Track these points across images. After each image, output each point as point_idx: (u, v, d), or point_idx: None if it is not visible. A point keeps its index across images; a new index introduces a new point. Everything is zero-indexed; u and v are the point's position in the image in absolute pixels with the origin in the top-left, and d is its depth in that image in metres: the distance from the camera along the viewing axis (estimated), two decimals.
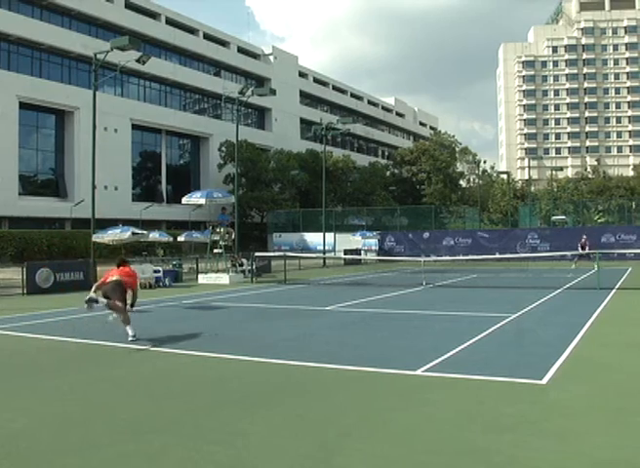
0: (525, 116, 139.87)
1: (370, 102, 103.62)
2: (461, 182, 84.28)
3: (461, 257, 33.16)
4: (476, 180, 78.25)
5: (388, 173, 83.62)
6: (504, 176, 73.48)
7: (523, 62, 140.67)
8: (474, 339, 10.04)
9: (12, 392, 7.27)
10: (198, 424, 5.87)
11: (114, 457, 5.04)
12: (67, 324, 13.20)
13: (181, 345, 9.89)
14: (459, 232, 44.90)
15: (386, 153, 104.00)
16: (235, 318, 14.01)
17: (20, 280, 20.57)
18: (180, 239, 35.66)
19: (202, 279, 25.64)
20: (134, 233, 22.89)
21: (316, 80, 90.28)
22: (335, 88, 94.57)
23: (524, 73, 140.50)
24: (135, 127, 60.50)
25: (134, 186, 61.78)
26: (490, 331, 10.98)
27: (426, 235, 44.25)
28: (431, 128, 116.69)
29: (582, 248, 32.19)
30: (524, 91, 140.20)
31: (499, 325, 11.67)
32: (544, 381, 7.20)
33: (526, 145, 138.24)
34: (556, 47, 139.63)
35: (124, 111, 57.69)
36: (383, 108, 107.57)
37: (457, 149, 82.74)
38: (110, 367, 8.57)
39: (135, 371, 8.22)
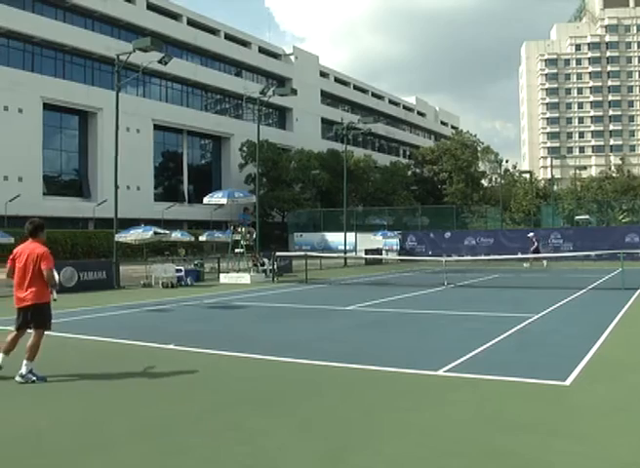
0: (548, 114, 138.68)
1: (391, 102, 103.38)
2: (483, 182, 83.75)
3: (483, 257, 32.89)
4: (498, 180, 77.70)
5: (410, 172, 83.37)
6: (527, 176, 72.88)
7: (546, 60, 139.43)
8: (496, 340, 9.97)
9: (35, 391, 7.36)
10: (218, 423, 5.89)
11: (134, 456, 5.08)
12: (92, 322, 13.34)
13: (203, 344, 9.94)
14: (480, 232, 44.62)
15: (408, 153, 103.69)
16: (256, 317, 14.04)
17: None
18: (202, 239, 35.84)
19: (223, 278, 25.75)
20: (156, 233, 23.05)
21: (337, 80, 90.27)
22: (356, 87, 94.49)
23: (547, 71, 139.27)
24: (156, 127, 60.99)
25: (156, 186, 62.29)
26: (512, 331, 10.90)
27: (448, 235, 44.02)
28: (453, 127, 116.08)
29: (535, 245, 32.68)
30: (547, 89, 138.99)
31: (521, 325, 11.58)
32: (568, 382, 7.12)
33: (549, 144, 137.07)
34: (579, 44, 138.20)
35: (146, 112, 58.16)
36: (405, 107, 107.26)
37: (478, 148, 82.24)
38: (132, 365, 8.63)
39: (156, 371, 8.27)
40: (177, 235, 32.34)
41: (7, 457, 5.08)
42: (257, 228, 29.75)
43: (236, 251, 26.73)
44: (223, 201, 26.24)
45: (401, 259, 39.48)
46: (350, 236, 44.59)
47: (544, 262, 33.11)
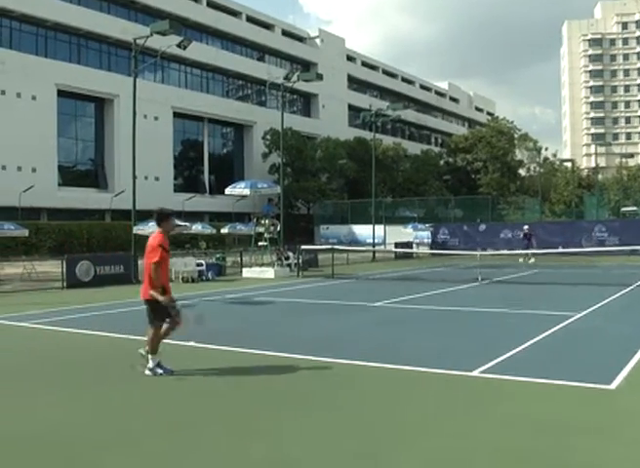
0: (591, 99, 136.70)
1: (422, 87, 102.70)
2: (521, 171, 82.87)
3: (521, 251, 32.58)
4: (537, 169, 76.87)
5: (442, 161, 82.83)
6: (568, 164, 71.94)
7: (589, 41, 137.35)
8: (535, 339, 9.87)
9: (51, 387, 7.46)
10: (239, 424, 5.91)
11: (150, 453, 5.13)
12: (110, 318, 13.49)
13: (224, 341, 10.00)
14: (518, 224, 44.15)
15: (440, 141, 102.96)
16: (280, 314, 14.09)
17: (60, 273, 21.09)
18: (224, 231, 36.03)
19: (246, 273, 25.87)
20: (176, 225, 23.21)
21: (365, 64, 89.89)
22: (384, 72, 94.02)
23: (590, 52, 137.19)
24: (176, 115, 61.31)
25: (175, 177, 62.69)
26: (553, 330, 10.78)
27: (482, 227, 43.69)
28: (488, 113, 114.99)
29: (528, 239, 33.00)
30: (590, 71, 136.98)
31: (562, 324, 11.45)
32: (613, 386, 7.02)
33: (592, 130, 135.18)
34: (626, 23, 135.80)
35: (165, 98, 58.49)
36: (436, 93, 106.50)
37: (515, 136, 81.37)
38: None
39: (176, 368, 8.33)
40: (197, 227, 32.50)
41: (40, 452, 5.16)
42: (281, 220, 29.80)
43: (259, 244, 26.82)
44: (246, 192, 26.32)
45: (433, 253, 39.26)
46: (379, 229, 44.48)
47: (525, 258, 33.18)
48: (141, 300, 8.26)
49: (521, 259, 33.41)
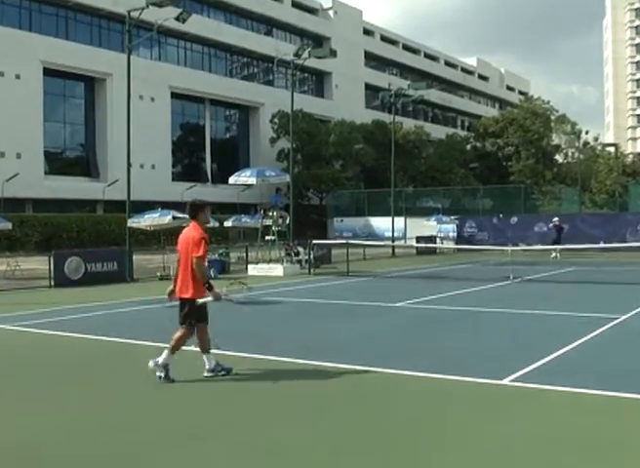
0: (638, 76, 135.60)
1: (447, 64, 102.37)
2: (557, 157, 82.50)
3: (557, 246, 32.46)
4: (576, 155, 76.44)
5: (469, 146, 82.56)
6: (611, 149, 71.45)
7: (636, 10, 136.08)
8: (573, 345, 9.86)
9: (43, 397, 7.54)
10: (243, 437, 5.95)
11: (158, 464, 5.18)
12: (102, 320, 13.59)
13: (228, 345, 10.01)
14: (554, 216, 43.95)
15: (467, 123, 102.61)
16: (289, 315, 14.13)
17: (47, 270, 21.22)
18: (228, 224, 36.09)
19: (252, 270, 25.93)
20: (175, 217, 23.26)
21: (383, 38, 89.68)
22: (405, 47, 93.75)
23: (637, 23, 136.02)
24: (174, 96, 61.44)
25: (174, 164, 62.88)
26: (592, 334, 10.75)
27: (514, 220, 43.54)
28: (521, 92, 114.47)
29: (558, 232, 33.47)
30: (637, 45, 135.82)
31: (603, 328, 11.41)
32: None
33: (638, 111, 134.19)
34: None
35: (162, 78, 58.61)
36: (463, 70, 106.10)
37: (552, 118, 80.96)
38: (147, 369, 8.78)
39: (177, 375, 8.39)
40: None
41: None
42: (290, 212, 29.83)
43: (267, 238, 26.87)
44: (252, 181, 26.36)
45: (458, 249, 39.20)
46: (399, 221, 44.43)
47: (555, 253, 33.31)
48: (165, 299, 8.38)
49: (552, 255, 33.43)
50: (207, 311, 8.27)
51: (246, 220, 36.13)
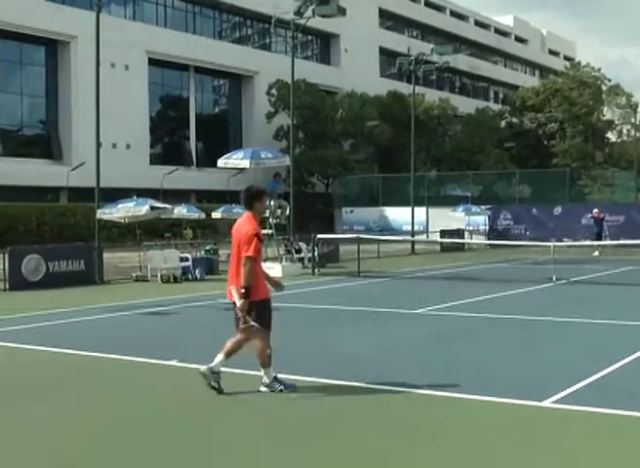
0: None
1: (477, 23, 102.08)
2: (610, 135, 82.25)
3: (609, 242, 32.50)
4: (632, 132, 76.22)
5: (503, 123, 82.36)
6: None
7: None
8: (628, 359, 9.87)
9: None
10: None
11: None
12: (65, 330, 13.60)
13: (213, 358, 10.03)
14: (605, 206, 43.85)
15: (501, 95, 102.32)
16: (291, 323, 14.08)
17: (1, 271, 21.21)
18: (216, 215, 36.01)
19: None
20: (153, 207, 23.23)
21: None
22: (428, 4, 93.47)
23: None
24: (153, 62, 61.33)
25: (152, 144, 62.83)
26: None
27: (558, 210, 43.47)
28: (566, 58, 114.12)
29: (600, 225, 34.26)
30: None
31: None
32: None
33: None
34: None
35: (138, 41, 58.46)
36: (497, 31, 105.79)
37: (603, 88, 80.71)
38: (118, 387, 8.78)
39: (150, 396, 8.39)
40: (181, 211, 32.56)
41: None
42: (290, 201, 29.80)
43: (263, 232, 26.86)
44: (245, 164, 26.27)
45: (490, 245, 39.11)
46: (420, 212, 44.38)
47: (597, 251, 33.70)
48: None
49: (596, 252, 33.46)
50: (271, 315, 8.41)
51: (238, 211, 35.92)
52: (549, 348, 10.99)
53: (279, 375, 8.41)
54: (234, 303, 8.31)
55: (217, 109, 72.09)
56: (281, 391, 8.23)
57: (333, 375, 9.03)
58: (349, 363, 9.96)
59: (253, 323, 8.15)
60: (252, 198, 8.46)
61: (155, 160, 61.54)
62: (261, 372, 8.40)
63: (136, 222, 25.22)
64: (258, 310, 8.21)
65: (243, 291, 8.06)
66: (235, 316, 8.39)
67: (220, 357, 8.24)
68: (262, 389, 8.32)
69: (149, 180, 54.64)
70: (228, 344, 8.35)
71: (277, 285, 8.91)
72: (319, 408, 7.85)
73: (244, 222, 8.41)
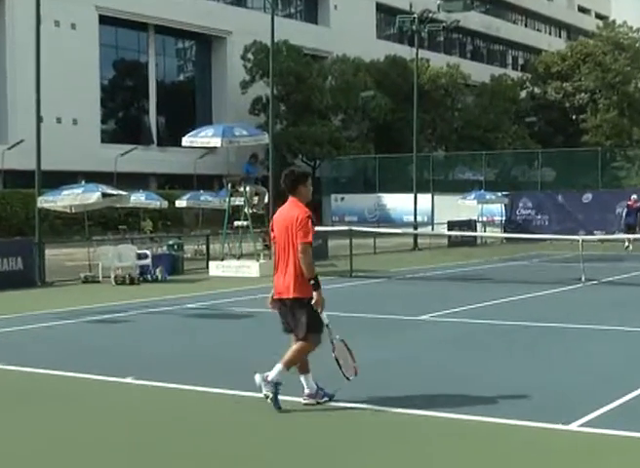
0: None
1: None
2: None
3: (624, 236, 32.76)
4: None
5: (524, 93, 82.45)
6: None
7: None
8: None
9: None
10: None
11: None
12: (8, 342, 13.57)
13: (180, 377, 10.01)
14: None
15: (520, 61, 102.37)
16: (270, 333, 14.05)
17: None
18: (181, 204, 36.07)
19: (216, 269, 25.88)
20: (105, 194, 23.18)
21: None
22: None
23: None
24: (104, 20, 61.04)
25: (104, 119, 62.61)
26: None
27: (588, 197, 43.58)
28: (598, 16, 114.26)
29: (635, 215, 34.56)
30: None
31: None
32: None
33: None
34: None
35: None
36: None
37: None
38: (60, 411, 8.74)
39: (101, 417, 8.36)
40: (139, 198, 32.56)
41: None
42: (270, 188, 29.77)
43: (236, 224, 26.80)
44: (216, 142, 26.23)
45: (508, 239, 39.17)
46: (424, 200, 44.38)
47: (628, 244, 34.08)
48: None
49: (626, 245, 33.65)
50: (314, 322, 8.54)
51: (207, 199, 36.06)
52: (576, 360, 11.05)
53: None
54: (283, 304, 8.56)
55: (181, 77, 71.91)
56: (327, 401, 8.54)
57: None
58: (332, 377, 9.93)
59: (327, 321, 8.55)
60: (296, 181, 8.69)
61: (108, 138, 61.37)
62: (301, 380, 8.60)
63: (84, 212, 25.18)
64: (309, 309, 8.43)
65: (313, 282, 8.26)
66: (285, 318, 8.63)
67: (278, 367, 8.43)
68: (307, 400, 8.56)
69: (101, 162, 54.45)
70: (290, 355, 8.54)
71: None
72: (311, 433, 7.87)
73: (291, 207, 8.62)
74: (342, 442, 7.48)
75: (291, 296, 8.44)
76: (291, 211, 8.54)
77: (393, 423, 8.07)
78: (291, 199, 8.70)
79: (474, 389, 9.34)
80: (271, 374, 8.31)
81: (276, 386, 8.29)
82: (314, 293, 8.29)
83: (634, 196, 36.40)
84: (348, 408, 8.56)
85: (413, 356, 11.63)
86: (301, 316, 8.45)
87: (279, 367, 8.36)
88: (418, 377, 10.13)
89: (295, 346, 8.54)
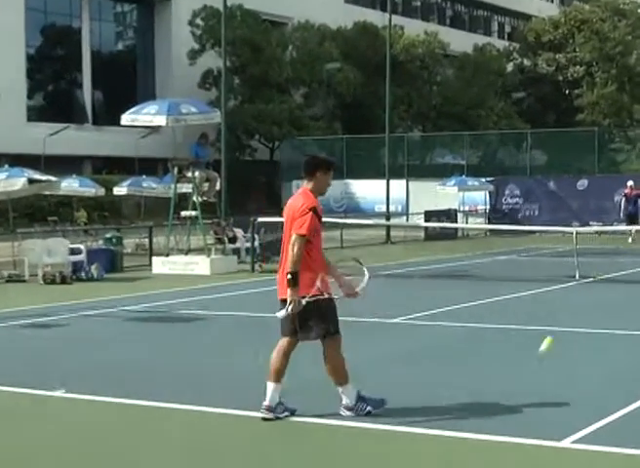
0: None
1: None
2: None
3: (623, 227, 33.05)
4: None
5: (511, 66, 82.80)
6: None
7: None
8: None
9: None
10: None
11: None
12: None
13: (118, 389, 9.98)
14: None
15: (507, 29, 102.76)
16: (222, 339, 14.11)
17: None
18: (120, 191, 35.95)
19: (161, 266, 25.82)
20: (32, 180, 23.04)
21: None
22: None
23: None
24: None
25: (30, 93, 62.28)
26: None
27: (583, 184, 43.82)
28: None
29: (634, 203, 35.21)
30: None
31: None
32: None
33: None
34: None
35: None
36: None
37: None
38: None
39: (26, 436, 8.33)
40: (71, 185, 32.41)
41: None
42: (222, 173, 29.74)
43: (184, 214, 26.75)
44: (160, 121, 26.15)
45: (493, 231, 39.35)
46: (398, 186, 44.51)
47: (632, 236, 34.47)
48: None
49: (630, 239, 33.94)
50: (326, 320, 8.60)
51: (150, 185, 35.96)
52: (570, 370, 11.07)
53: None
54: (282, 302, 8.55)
55: (120, 46, 71.64)
56: (369, 413, 8.58)
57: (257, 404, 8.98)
58: (296, 390, 9.95)
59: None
60: (317, 166, 8.84)
61: (35, 115, 61.08)
62: (339, 391, 8.65)
63: (8, 201, 25.04)
64: (319, 309, 8.47)
65: (289, 277, 8.26)
66: (296, 323, 8.59)
67: (341, 390, 8.61)
68: (346, 413, 8.62)
69: (27, 143, 54.22)
70: (332, 371, 8.67)
71: (350, 290, 9.06)
72: (261, 448, 7.88)
73: (299, 196, 8.77)
74: (302, 457, 7.53)
75: (303, 294, 8.45)
76: (297, 200, 8.67)
77: (359, 441, 8.10)
78: (302, 188, 8.85)
79: (455, 403, 9.35)
80: (345, 401, 8.57)
81: (362, 401, 8.58)
82: (288, 291, 8.28)
83: (630, 183, 36.65)
84: (310, 423, 8.57)
85: (384, 365, 11.62)
86: (314, 318, 8.52)
87: (340, 390, 8.59)
88: (389, 389, 10.09)
89: (325, 355, 8.64)
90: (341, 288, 8.87)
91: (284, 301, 8.44)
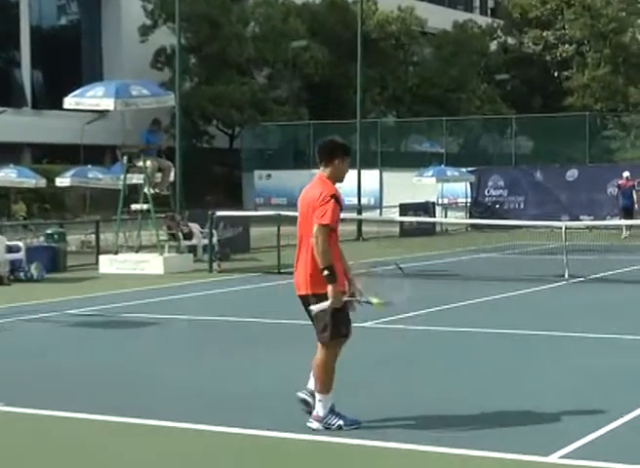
0: None
1: None
2: None
3: (619, 222, 33.27)
4: None
5: (494, 44, 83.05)
6: None
7: None
8: None
9: None
10: None
11: None
12: None
13: (61, 401, 9.98)
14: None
15: (490, 3, 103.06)
16: (175, 344, 14.10)
17: None
18: (63, 182, 35.85)
19: (108, 265, 25.78)
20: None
21: None
22: None
23: None
24: None
25: None
26: None
27: (573, 174, 44.04)
28: None
29: (629, 196, 35.57)
30: None
31: None
32: None
33: None
34: None
35: None
36: None
37: None
38: None
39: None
40: (9, 175, 32.33)
41: None
42: (176, 162, 29.72)
43: (134, 207, 26.71)
44: (107, 104, 26.11)
45: (474, 225, 39.49)
46: (370, 177, 44.55)
47: (626, 232, 35.16)
48: None
49: (624, 234, 34.23)
50: (339, 321, 8.65)
51: (96, 176, 35.89)
52: (558, 379, 11.17)
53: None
54: (302, 302, 8.72)
55: (63, 21, 71.37)
56: (340, 428, 8.53)
57: (236, 422, 9.03)
58: (250, 402, 9.96)
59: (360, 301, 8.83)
60: (334, 151, 8.94)
61: None
62: (315, 400, 8.70)
63: None
64: (332, 308, 8.46)
65: (326, 272, 8.37)
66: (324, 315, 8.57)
67: (318, 399, 8.66)
68: (314, 425, 8.60)
69: None
70: (316, 375, 8.73)
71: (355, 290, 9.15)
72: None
73: (315, 184, 8.85)
74: None
75: (309, 292, 8.59)
76: (314, 188, 8.73)
77: (322, 456, 8.21)
78: (318, 176, 8.90)
79: (433, 415, 9.40)
80: (318, 412, 8.57)
81: (333, 412, 8.59)
82: (329, 288, 8.34)
83: (626, 173, 36.74)
84: (250, 435, 8.62)
85: (353, 374, 11.62)
86: (324, 316, 8.54)
87: (318, 398, 8.61)
88: (361, 400, 10.13)
89: (315, 361, 8.71)
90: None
91: (303, 298, 8.62)
